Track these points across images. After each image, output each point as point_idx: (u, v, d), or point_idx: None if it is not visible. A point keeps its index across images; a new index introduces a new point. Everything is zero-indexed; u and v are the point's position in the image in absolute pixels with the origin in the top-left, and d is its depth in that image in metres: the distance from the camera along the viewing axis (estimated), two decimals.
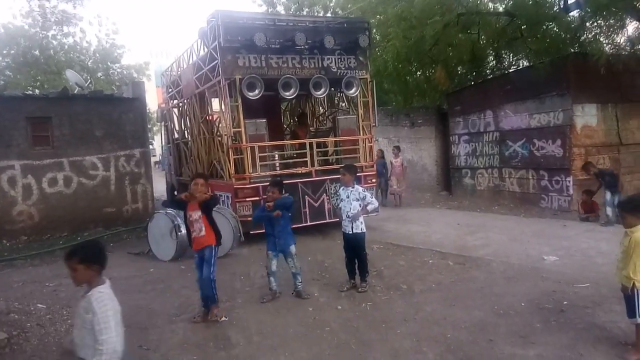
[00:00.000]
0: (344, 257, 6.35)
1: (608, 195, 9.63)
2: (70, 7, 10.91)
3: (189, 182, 6.01)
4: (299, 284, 6.09)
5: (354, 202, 6.05)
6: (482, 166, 14.16)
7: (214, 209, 5.85)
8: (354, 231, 6.11)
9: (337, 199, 6.84)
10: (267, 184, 9.03)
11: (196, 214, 5.41)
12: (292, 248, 6.02)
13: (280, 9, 22.66)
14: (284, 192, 6.22)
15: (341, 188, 6.30)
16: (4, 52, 23.21)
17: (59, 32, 22.79)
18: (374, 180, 10.33)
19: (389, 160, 14.41)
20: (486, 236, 8.96)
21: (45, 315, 5.81)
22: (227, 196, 9.60)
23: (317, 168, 9.79)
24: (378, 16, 15.55)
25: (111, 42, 26.17)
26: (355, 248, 6.19)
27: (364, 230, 6.19)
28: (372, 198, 6.20)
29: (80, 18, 23.45)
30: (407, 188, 14.12)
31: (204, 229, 5.39)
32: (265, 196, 6.40)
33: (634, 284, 4.05)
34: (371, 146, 10.57)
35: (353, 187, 6.11)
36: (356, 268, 6.28)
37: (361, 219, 6.14)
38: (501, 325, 4.82)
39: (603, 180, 9.85)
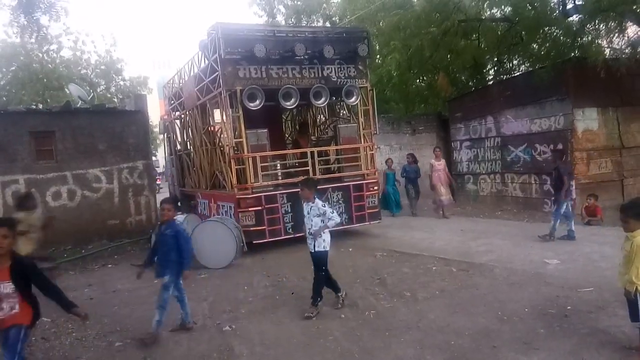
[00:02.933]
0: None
1: (565, 206, 8.84)
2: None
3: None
4: (156, 322, 5.22)
5: (315, 218, 5.69)
6: (484, 172, 14.17)
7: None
8: (316, 249, 5.74)
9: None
10: (270, 193, 9.23)
11: (6, 287, 3.64)
12: (165, 278, 5.26)
13: (280, 18, 22.78)
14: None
15: (304, 203, 5.93)
16: (4, 69, 23.39)
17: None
18: (375, 188, 10.33)
19: (424, 164, 13.76)
20: (489, 242, 8.95)
21: (50, 329, 5.83)
22: (230, 206, 9.64)
23: (319, 177, 9.81)
24: (380, 23, 15.64)
25: (110, 57, 26.38)
26: (316, 266, 5.82)
27: (327, 248, 5.77)
28: (332, 213, 5.73)
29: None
30: (445, 196, 12.43)
31: (17, 307, 3.68)
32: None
33: (636, 288, 4.04)
34: (372, 154, 10.60)
35: (313, 202, 5.73)
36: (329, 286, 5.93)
37: (325, 236, 5.74)
38: (505, 331, 4.81)
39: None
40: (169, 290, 5.28)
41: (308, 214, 5.77)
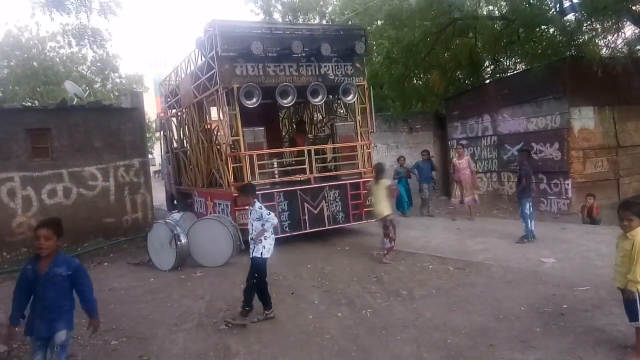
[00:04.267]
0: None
1: (526, 206, 8.70)
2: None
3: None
4: None
5: (255, 222, 5.47)
6: (480, 170, 14.19)
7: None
8: (254, 254, 5.49)
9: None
10: (267, 191, 9.20)
11: None
12: (61, 335, 3.72)
13: (277, 16, 22.74)
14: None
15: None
16: (4, 63, 23.32)
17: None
18: None
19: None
20: (486, 240, 8.96)
21: None
22: (227, 204, 9.61)
23: (316, 175, 9.80)
24: (377, 22, 15.64)
25: (107, 53, 26.25)
26: (253, 273, 5.53)
27: (265, 256, 5.51)
28: (269, 215, 5.47)
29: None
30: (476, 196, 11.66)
31: None
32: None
33: (638, 288, 3.98)
34: (369, 152, 10.58)
35: (252, 207, 5.56)
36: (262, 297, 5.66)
37: (266, 242, 5.49)
38: (501, 330, 4.82)
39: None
40: (66, 350, 3.88)
41: (249, 218, 5.60)
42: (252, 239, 5.53)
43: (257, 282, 5.56)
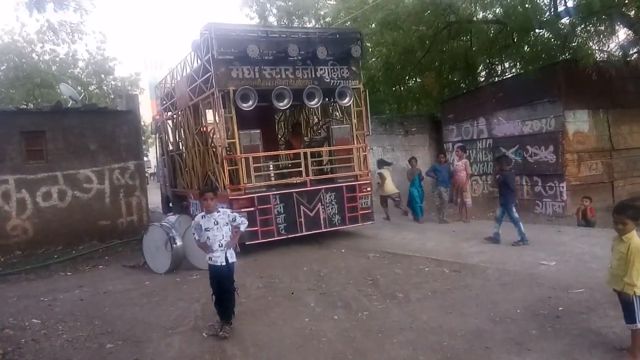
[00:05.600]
0: (212, 296, 5.44)
1: (499, 210, 8.92)
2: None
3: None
4: None
5: (225, 227, 5.26)
6: (476, 173, 14.23)
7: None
8: (230, 260, 5.30)
9: (196, 232, 5.49)
10: (263, 194, 9.19)
11: None
12: None
13: (272, 19, 22.74)
14: None
15: (200, 216, 5.40)
16: None
17: (65, 42, 23.27)
18: (369, 190, 10.33)
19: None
20: (481, 243, 8.98)
21: (40, 331, 5.77)
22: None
23: (312, 177, 9.80)
24: (372, 24, 15.69)
25: (102, 55, 26.20)
26: (228, 280, 5.33)
27: (235, 257, 5.49)
28: (241, 217, 5.37)
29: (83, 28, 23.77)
30: (467, 199, 11.67)
31: None
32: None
33: (635, 291, 3.99)
34: (365, 155, 10.60)
35: (218, 212, 5.34)
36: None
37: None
38: (497, 332, 4.82)
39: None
40: None
41: (216, 224, 5.25)
42: (221, 245, 5.24)
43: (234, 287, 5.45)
